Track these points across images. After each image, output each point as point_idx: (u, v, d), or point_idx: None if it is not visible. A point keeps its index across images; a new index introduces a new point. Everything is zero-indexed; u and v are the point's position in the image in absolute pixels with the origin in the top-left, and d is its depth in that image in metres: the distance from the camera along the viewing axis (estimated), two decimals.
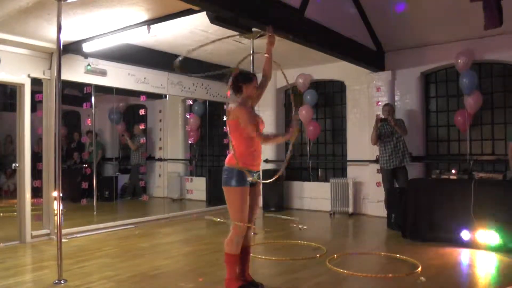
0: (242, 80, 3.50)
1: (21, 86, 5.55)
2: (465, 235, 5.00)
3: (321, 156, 8.51)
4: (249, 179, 3.40)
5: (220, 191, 3.44)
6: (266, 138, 3.52)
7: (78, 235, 5.87)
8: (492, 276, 4.17)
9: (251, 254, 3.70)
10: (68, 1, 4.04)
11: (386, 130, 6.46)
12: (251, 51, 5.42)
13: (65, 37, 5.35)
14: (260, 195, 3.71)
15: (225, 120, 3.48)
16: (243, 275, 3.55)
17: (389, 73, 7.30)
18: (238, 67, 3.58)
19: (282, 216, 7.31)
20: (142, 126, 8.74)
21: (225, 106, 3.31)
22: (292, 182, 8.53)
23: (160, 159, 9.73)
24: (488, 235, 4.83)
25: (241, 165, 3.33)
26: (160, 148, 9.70)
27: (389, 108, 6.55)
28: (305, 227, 6.41)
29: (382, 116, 6.49)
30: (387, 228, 6.22)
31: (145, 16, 4.99)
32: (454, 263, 4.52)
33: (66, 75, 5.59)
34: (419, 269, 4.12)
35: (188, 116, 9.39)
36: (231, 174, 3.36)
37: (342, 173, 8.13)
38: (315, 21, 5.51)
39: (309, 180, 8.40)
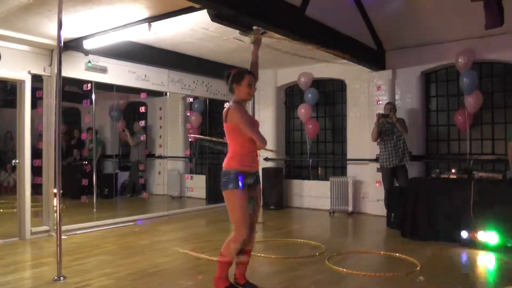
0: (233, 80, 3.38)
1: (22, 82, 5.55)
2: (464, 234, 5.00)
3: (321, 155, 8.52)
4: (248, 181, 3.30)
5: (220, 189, 3.40)
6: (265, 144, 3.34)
7: (78, 232, 5.88)
8: (491, 275, 4.17)
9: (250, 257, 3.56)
10: None
11: (387, 128, 6.46)
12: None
13: (66, 34, 5.35)
14: (260, 196, 3.64)
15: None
16: (237, 276, 3.49)
17: (390, 72, 7.30)
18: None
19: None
20: (142, 123, 8.74)
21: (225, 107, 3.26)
22: (292, 181, 8.54)
23: (160, 157, 9.73)
24: (487, 234, 4.84)
25: (240, 167, 3.25)
26: (160, 146, 9.71)
27: (391, 107, 6.54)
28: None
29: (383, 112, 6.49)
30: (387, 227, 6.22)
31: (146, 14, 4.99)
32: (454, 263, 4.52)
33: (67, 72, 5.59)
34: (418, 268, 4.13)
35: (189, 114, 9.37)
36: (229, 177, 3.25)
37: (342, 171, 8.13)
38: (315, 19, 5.51)
39: (309, 179, 8.41)
